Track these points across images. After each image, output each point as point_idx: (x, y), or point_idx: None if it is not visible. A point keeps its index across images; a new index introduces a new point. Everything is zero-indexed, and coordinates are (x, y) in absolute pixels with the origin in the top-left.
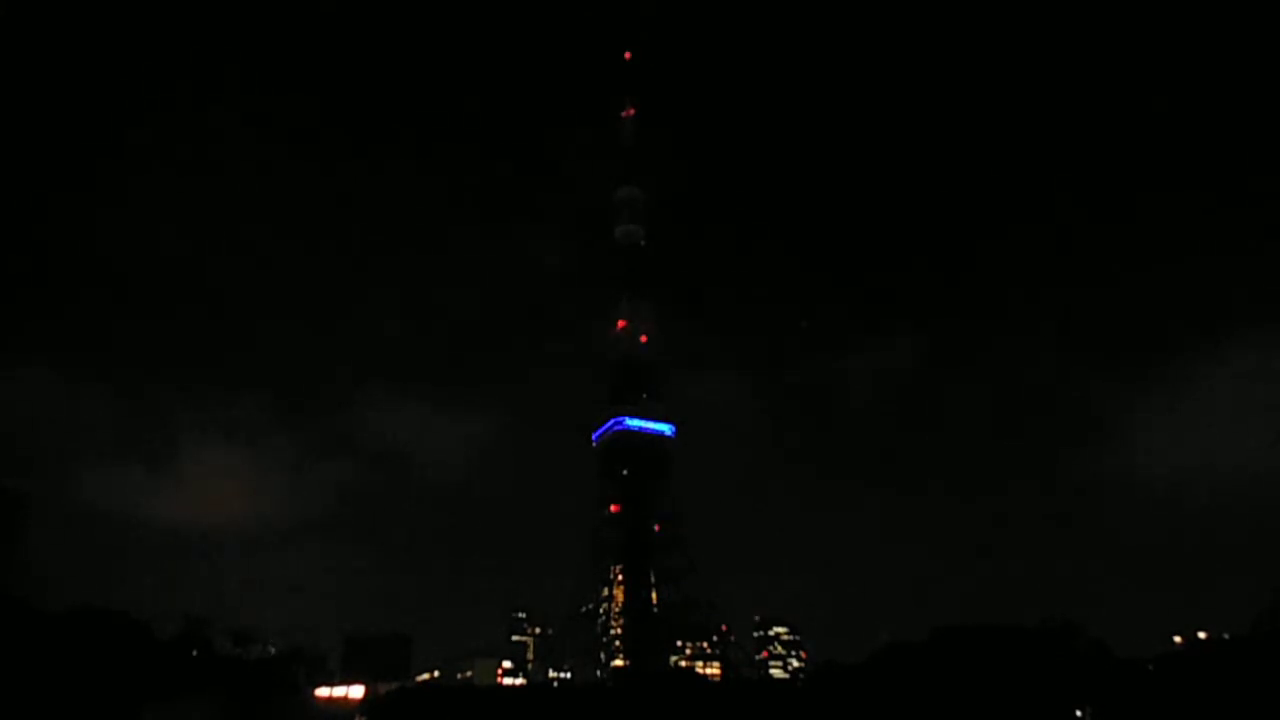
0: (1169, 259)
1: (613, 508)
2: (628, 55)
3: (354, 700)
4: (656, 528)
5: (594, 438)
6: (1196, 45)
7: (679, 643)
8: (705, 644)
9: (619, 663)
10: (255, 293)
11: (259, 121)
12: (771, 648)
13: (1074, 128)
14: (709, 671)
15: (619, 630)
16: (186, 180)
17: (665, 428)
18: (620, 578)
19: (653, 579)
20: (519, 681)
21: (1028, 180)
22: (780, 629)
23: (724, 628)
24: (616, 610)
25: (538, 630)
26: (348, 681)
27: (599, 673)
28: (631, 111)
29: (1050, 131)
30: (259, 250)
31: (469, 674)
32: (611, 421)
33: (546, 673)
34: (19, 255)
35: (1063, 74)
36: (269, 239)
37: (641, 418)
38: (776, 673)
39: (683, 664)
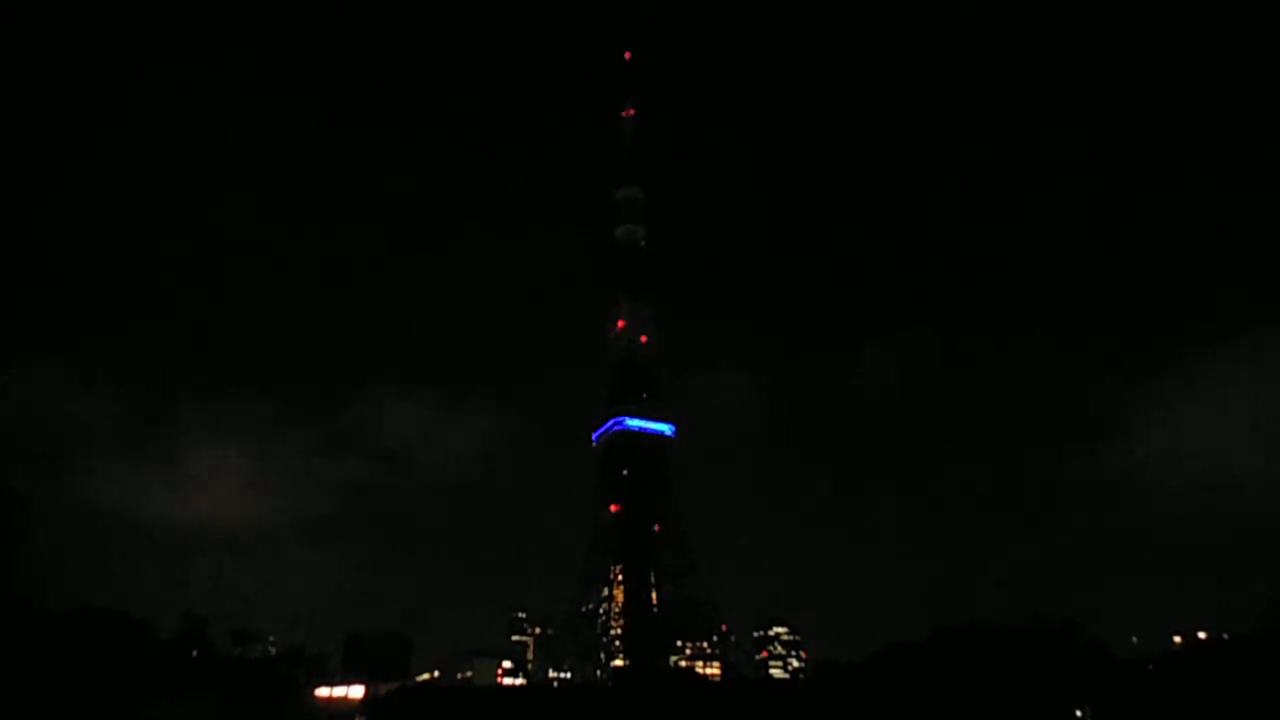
0: (1173, 259)
1: (613, 508)
2: (628, 55)
3: (354, 700)
4: (656, 527)
5: (594, 438)
6: (1204, 45)
7: (679, 643)
8: (705, 644)
9: (619, 663)
10: (261, 292)
11: (266, 122)
12: (771, 648)
13: (1081, 127)
14: (709, 671)
15: (619, 630)
16: (194, 181)
17: (665, 428)
18: (620, 578)
19: (653, 579)
20: (519, 681)
21: (1033, 178)
22: (780, 629)
23: (724, 628)
24: (616, 610)
25: (538, 630)
26: (348, 681)
27: (599, 673)
28: (631, 111)
29: (1057, 131)
30: (264, 250)
31: (469, 674)
32: (611, 421)
33: (546, 673)
34: (28, 253)
35: (1065, 70)
36: (274, 239)
37: (641, 418)
38: (776, 673)
39: (683, 664)
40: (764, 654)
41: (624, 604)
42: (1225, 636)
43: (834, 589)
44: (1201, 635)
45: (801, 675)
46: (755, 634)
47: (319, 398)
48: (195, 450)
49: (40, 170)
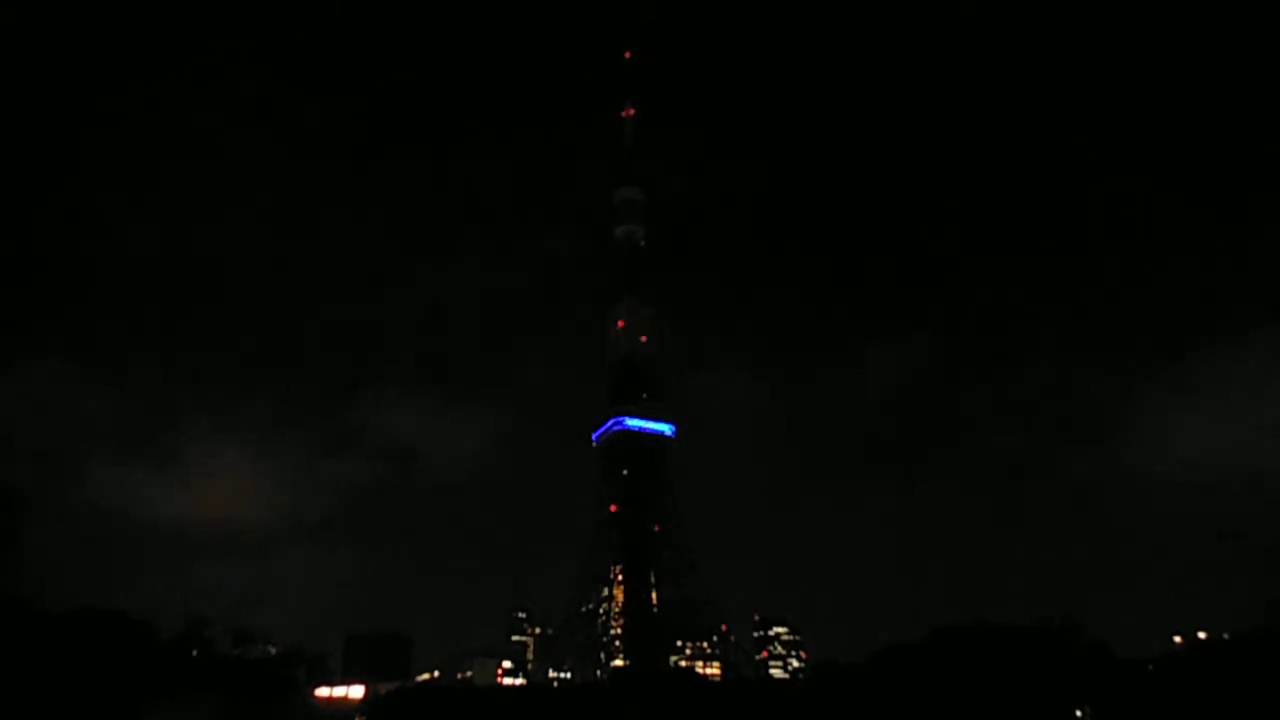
0: (1175, 259)
1: (613, 508)
2: (628, 55)
3: (354, 700)
4: (656, 528)
5: (594, 438)
6: (1205, 45)
7: (679, 643)
8: (705, 644)
9: (619, 663)
10: (264, 293)
11: (270, 124)
12: (771, 648)
13: (1084, 127)
14: (709, 671)
15: (619, 630)
16: (197, 181)
17: (665, 427)
18: (620, 578)
19: (653, 579)
20: (519, 681)
21: (1035, 179)
22: (780, 629)
23: (724, 628)
24: (616, 610)
25: (538, 630)
26: (348, 681)
27: (599, 673)
28: (631, 111)
29: (1059, 132)
30: (268, 251)
31: (469, 674)
32: (611, 421)
33: (546, 673)
34: (32, 252)
35: (1066, 70)
36: (274, 239)
37: (641, 418)
38: (776, 673)
39: (683, 664)
40: (764, 654)
41: (624, 604)
42: (1225, 636)
43: (834, 589)
44: (1201, 635)
45: (801, 675)
46: (755, 634)
47: (319, 398)
48: (195, 450)
49: (42, 170)
